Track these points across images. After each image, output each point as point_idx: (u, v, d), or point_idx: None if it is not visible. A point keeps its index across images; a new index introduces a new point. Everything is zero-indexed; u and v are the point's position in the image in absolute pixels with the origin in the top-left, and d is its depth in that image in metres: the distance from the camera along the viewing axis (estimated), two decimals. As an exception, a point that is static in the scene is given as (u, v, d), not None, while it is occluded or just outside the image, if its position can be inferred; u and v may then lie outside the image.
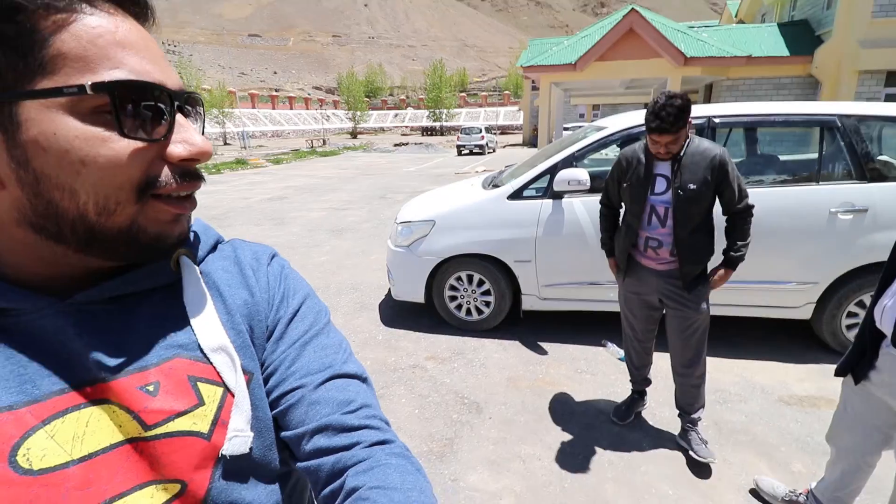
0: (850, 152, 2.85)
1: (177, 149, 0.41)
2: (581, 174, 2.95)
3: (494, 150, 24.62)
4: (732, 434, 2.35)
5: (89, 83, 0.35)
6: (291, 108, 50.79)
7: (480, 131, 22.98)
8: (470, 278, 3.40)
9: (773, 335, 3.24)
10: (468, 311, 3.48)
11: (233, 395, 0.45)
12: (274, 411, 0.49)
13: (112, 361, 0.41)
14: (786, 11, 15.18)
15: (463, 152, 23.16)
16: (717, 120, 2.99)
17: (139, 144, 0.38)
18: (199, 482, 0.42)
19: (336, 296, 4.28)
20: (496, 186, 3.48)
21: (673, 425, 2.35)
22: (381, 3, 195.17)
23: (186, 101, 0.43)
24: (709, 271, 2.11)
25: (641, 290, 2.20)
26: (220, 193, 10.84)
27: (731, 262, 2.06)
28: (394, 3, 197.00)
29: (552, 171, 3.14)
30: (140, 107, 0.38)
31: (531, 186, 3.22)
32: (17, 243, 0.40)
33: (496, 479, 2.10)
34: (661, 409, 2.53)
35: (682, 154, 1.95)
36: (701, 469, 2.10)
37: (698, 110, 3.07)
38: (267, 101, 48.98)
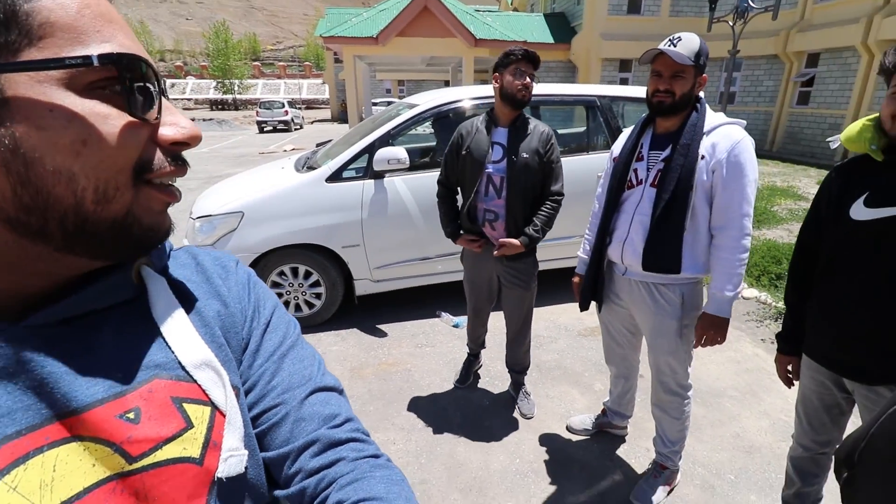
0: (607, 126, 3.52)
1: (169, 131, 0.38)
2: (400, 152, 2.94)
3: (302, 127, 23.17)
4: (549, 371, 2.76)
5: (96, 54, 0.33)
6: None
7: (283, 106, 21.27)
8: (294, 271, 3.13)
9: (567, 282, 3.88)
10: (297, 307, 3.22)
11: (222, 414, 0.42)
12: (255, 430, 0.47)
13: (82, 390, 0.36)
14: (549, 4, 17.82)
15: (265, 129, 21.18)
16: (511, 98, 3.32)
17: (137, 123, 0.36)
18: None
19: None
20: (311, 168, 3.23)
21: (506, 377, 2.61)
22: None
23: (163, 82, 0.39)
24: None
25: (481, 272, 2.27)
26: None
27: (527, 238, 2.07)
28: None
29: (370, 150, 3.06)
30: (136, 85, 0.36)
31: (350, 167, 3.09)
32: None
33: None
34: (493, 364, 2.79)
35: (517, 124, 2.05)
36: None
37: (483, 91, 3.35)
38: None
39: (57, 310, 0.37)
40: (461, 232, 2.23)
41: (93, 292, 0.39)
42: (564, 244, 3.53)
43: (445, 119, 3.34)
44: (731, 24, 5.85)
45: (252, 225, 2.96)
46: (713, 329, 1.59)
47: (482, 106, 3.26)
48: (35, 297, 0.37)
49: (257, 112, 21.37)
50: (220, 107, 39.99)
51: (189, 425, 0.40)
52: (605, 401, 2.24)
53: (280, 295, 3.15)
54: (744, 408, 2.44)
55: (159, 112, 0.38)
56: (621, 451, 2.14)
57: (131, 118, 0.35)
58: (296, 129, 21.68)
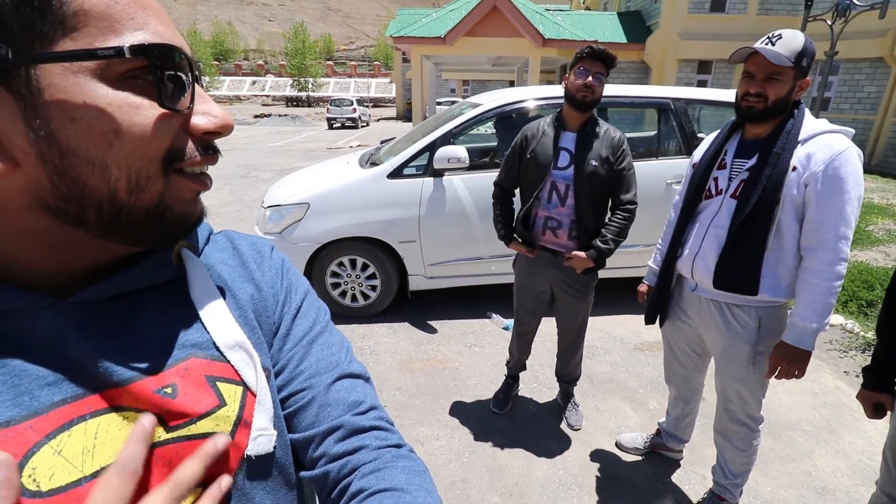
0: (681, 131, 3.33)
1: (200, 120, 0.38)
2: (460, 151, 2.96)
3: (368, 124, 23.92)
4: (602, 384, 2.65)
5: (127, 45, 0.33)
6: None
7: (352, 103, 22.06)
8: (353, 263, 3.24)
9: (626, 291, 3.71)
10: (353, 298, 3.33)
11: (253, 394, 0.44)
12: (284, 412, 0.48)
13: (123, 365, 0.38)
14: (623, 2, 17.13)
15: (334, 125, 22.06)
16: (578, 100, 3.22)
17: (168, 114, 0.36)
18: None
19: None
20: (374, 164, 3.32)
21: (554, 385, 2.55)
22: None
23: (198, 69, 0.39)
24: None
25: (535, 280, 2.16)
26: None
27: (597, 253, 1.94)
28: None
29: (431, 148, 3.10)
30: (167, 73, 0.36)
31: (411, 164, 3.14)
32: (24, 232, 0.35)
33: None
34: (542, 370, 2.73)
35: (587, 129, 1.94)
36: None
37: (555, 91, 3.27)
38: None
39: (102, 288, 0.39)
40: (515, 236, 2.14)
41: (135, 272, 0.41)
42: (626, 253, 3.38)
43: (508, 119, 3.31)
44: (829, 23, 5.30)
45: (316, 216, 3.10)
46: (791, 361, 1.42)
47: (546, 107, 3.20)
48: (82, 275, 0.39)
49: (328, 109, 22.31)
50: (294, 103, 42.31)
51: (222, 403, 0.41)
52: (660, 421, 2.12)
53: (337, 285, 3.28)
54: (818, 444, 2.21)
55: (192, 101, 0.38)
56: (675, 477, 2.02)
57: (162, 109, 0.35)
58: (362, 126, 22.41)
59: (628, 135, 4.02)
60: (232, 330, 0.44)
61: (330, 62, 59.09)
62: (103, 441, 0.36)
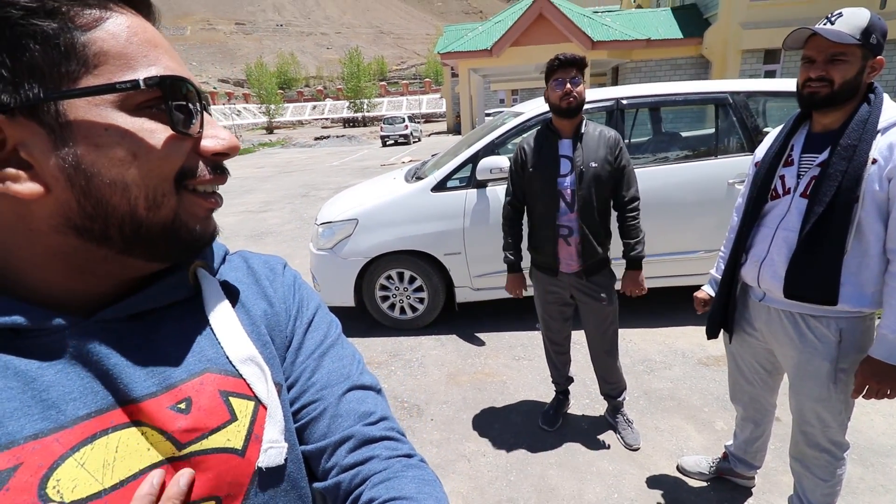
0: (742, 126, 3.09)
1: (209, 143, 0.42)
2: (503, 161, 2.92)
3: (420, 140, 24.44)
4: (661, 401, 2.48)
5: (142, 78, 0.37)
6: None
7: (404, 121, 22.69)
8: (401, 276, 3.28)
9: (687, 301, 3.47)
10: (402, 310, 3.37)
11: (264, 408, 0.45)
12: (296, 424, 0.49)
13: (141, 381, 0.40)
14: (677, -4, 16.37)
15: (388, 143, 22.76)
16: (624, 102, 3.10)
17: (179, 136, 0.39)
18: (237, 491, 0.42)
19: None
20: (419, 178, 3.37)
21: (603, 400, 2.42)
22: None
23: (204, 98, 0.43)
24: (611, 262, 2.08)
25: (556, 288, 2.14)
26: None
27: (634, 264, 2.03)
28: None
29: (474, 160, 3.10)
30: (178, 103, 0.40)
31: (454, 177, 3.16)
32: (53, 254, 0.38)
33: (442, 483, 2.04)
34: (594, 385, 2.60)
35: (580, 133, 1.94)
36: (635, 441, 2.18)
37: (606, 93, 3.16)
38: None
39: (122, 307, 0.42)
40: (520, 266, 2.21)
41: (153, 291, 0.44)
42: (684, 259, 3.17)
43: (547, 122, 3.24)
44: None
45: (365, 231, 3.19)
46: (882, 380, 1.24)
47: (591, 111, 3.10)
48: (104, 295, 0.42)
49: (381, 127, 23.12)
50: (351, 124, 44.29)
51: (233, 418, 0.43)
52: (727, 444, 1.93)
53: (386, 297, 3.34)
54: (925, 475, 1.92)
55: (201, 126, 0.42)
56: (746, 504, 1.83)
57: (173, 132, 0.39)
58: (414, 142, 22.94)
59: (683, 134, 3.83)
60: (244, 345, 0.46)
61: (383, 82, 61.30)
62: (123, 455, 0.38)
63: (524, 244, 2.20)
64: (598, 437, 2.25)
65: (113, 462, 0.37)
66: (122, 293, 0.43)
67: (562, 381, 2.37)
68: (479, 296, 3.30)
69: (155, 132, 0.38)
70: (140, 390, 0.40)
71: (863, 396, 1.30)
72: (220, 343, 0.45)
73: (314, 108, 53.41)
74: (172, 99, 0.39)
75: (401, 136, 22.47)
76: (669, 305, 3.43)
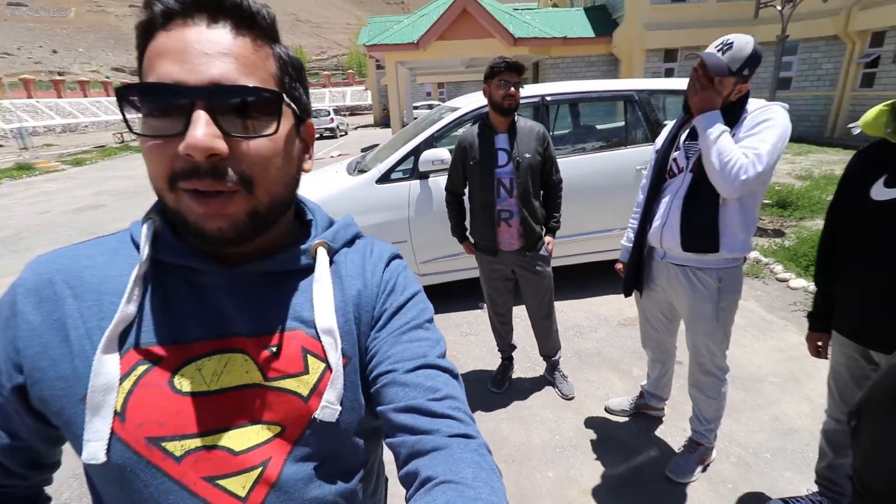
0: (646, 120, 3.57)
1: (181, 146, 0.42)
2: (443, 153, 3.15)
3: (346, 133, 23.96)
4: (589, 358, 2.87)
5: (121, 87, 0.43)
6: (86, 96, 41.01)
7: (329, 114, 22.05)
8: (350, 265, 3.40)
9: (608, 273, 3.95)
10: (352, 298, 3.49)
11: (331, 371, 0.52)
12: (371, 389, 0.55)
13: (253, 322, 0.52)
14: (587, -3, 17.53)
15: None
16: (548, 98, 3.46)
17: (156, 141, 0.43)
18: (293, 430, 0.51)
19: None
20: (362, 171, 3.50)
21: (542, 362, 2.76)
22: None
23: (210, 95, 0.43)
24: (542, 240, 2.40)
25: (500, 265, 2.42)
26: (3, 210, 8.63)
27: (552, 231, 2.42)
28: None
29: (416, 152, 3.29)
30: (157, 106, 0.43)
31: (398, 169, 3.33)
32: None
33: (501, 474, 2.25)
34: (533, 351, 2.93)
35: (513, 128, 2.22)
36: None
37: (532, 90, 3.49)
38: (49, 87, 39.01)
39: (255, 266, 0.53)
40: (468, 236, 2.50)
41: (278, 259, 0.54)
42: (605, 237, 3.61)
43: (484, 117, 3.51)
44: (778, 8, 5.64)
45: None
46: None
47: (520, 106, 3.41)
48: (249, 256, 0.54)
49: (305, 120, 22.31)
50: (269, 117, 41.87)
51: (306, 371, 0.53)
52: (642, 384, 2.34)
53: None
54: (784, 393, 2.46)
55: (185, 128, 0.42)
56: (658, 431, 2.24)
57: (149, 138, 0.44)
58: (341, 136, 22.44)
59: (599, 127, 4.29)
60: (329, 317, 0.54)
61: (303, 73, 58.68)
62: (228, 370, 0.50)
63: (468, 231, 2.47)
64: (540, 392, 2.58)
65: (220, 373, 0.50)
66: (262, 257, 0.54)
67: (506, 348, 2.67)
68: (425, 281, 3.51)
69: (145, 141, 0.44)
70: (250, 328, 0.52)
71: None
72: (313, 310, 0.54)
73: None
74: (152, 104, 0.43)
75: (326, 129, 21.84)
76: (593, 278, 3.89)
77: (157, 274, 0.52)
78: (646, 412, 2.33)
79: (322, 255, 0.57)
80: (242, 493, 0.49)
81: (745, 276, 4.03)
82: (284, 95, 0.49)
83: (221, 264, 0.52)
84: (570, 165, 3.36)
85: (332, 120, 21.78)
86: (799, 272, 3.84)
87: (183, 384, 0.48)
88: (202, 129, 0.42)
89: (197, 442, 0.48)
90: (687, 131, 1.75)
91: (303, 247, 0.56)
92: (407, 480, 0.48)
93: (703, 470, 1.98)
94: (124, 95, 0.44)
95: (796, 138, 12.73)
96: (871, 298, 1.37)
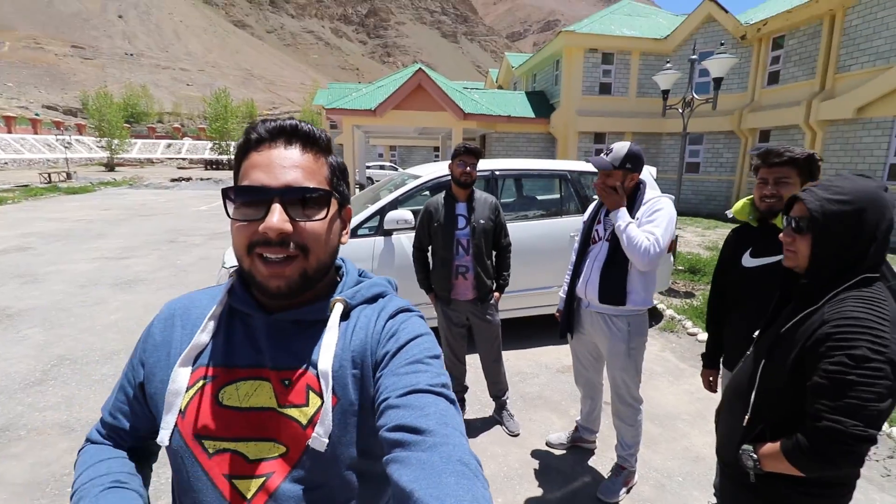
0: (577, 195, 4.22)
1: (260, 227, 0.61)
2: (407, 214, 3.54)
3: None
4: (532, 400, 3.20)
5: (225, 189, 0.63)
6: (10, 132, 39.10)
7: (280, 167, 22.17)
8: (312, 313, 3.58)
9: (550, 327, 4.39)
10: (312, 345, 3.63)
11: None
12: (376, 417, 0.61)
13: (277, 359, 0.66)
14: (529, 83, 19.69)
15: (261, 188, 21.87)
16: (497, 172, 4.02)
17: (244, 223, 0.63)
18: (294, 453, 0.63)
19: (150, 352, 3.81)
20: (329, 226, 3.78)
21: (491, 404, 3.05)
22: (143, 18, 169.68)
23: (284, 193, 0.61)
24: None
25: (456, 314, 2.78)
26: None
27: (501, 288, 2.83)
28: (159, 20, 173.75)
29: (381, 212, 3.66)
30: (245, 199, 0.63)
31: (364, 226, 3.67)
32: None
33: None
34: (483, 394, 3.22)
35: (471, 198, 2.67)
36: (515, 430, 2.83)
37: (484, 165, 4.04)
38: (-34, 120, 36.84)
39: (287, 315, 0.66)
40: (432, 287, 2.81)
41: (304, 310, 0.67)
42: (544, 293, 4.08)
43: (443, 188, 3.99)
44: (679, 110, 6.90)
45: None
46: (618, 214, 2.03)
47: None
48: (285, 308, 0.67)
49: (254, 173, 22.18)
50: (214, 166, 41.22)
51: (306, 404, 0.63)
52: (577, 419, 2.69)
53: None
54: (693, 427, 2.91)
55: (265, 214, 0.60)
56: (591, 461, 2.57)
57: (236, 220, 0.63)
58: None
59: (539, 197, 4.92)
60: (327, 362, 0.64)
61: (253, 126, 58.73)
62: (257, 394, 0.64)
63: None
64: (489, 430, 2.85)
65: (252, 394, 0.64)
66: (300, 306, 0.68)
67: (460, 388, 2.96)
68: (383, 329, 3.74)
69: (233, 223, 0.63)
70: (274, 363, 0.65)
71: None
72: (320, 355, 0.65)
73: (169, 146, 48.57)
74: (242, 198, 0.62)
75: (276, 182, 21.85)
76: (535, 330, 4.30)
77: (230, 316, 0.69)
78: (580, 445, 2.66)
79: (337, 310, 0.68)
80: (248, 495, 0.61)
81: (662, 330, 4.64)
82: (334, 191, 0.68)
83: (265, 311, 0.67)
84: (514, 230, 3.85)
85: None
86: (705, 327, 4.49)
87: (225, 398, 0.64)
88: (277, 216, 0.60)
89: (225, 444, 0.63)
90: (605, 209, 2.26)
91: (326, 302, 0.69)
92: (394, 493, 0.51)
93: (628, 492, 2.31)
94: (227, 192, 0.62)
95: (706, 214, 14.58)
96: (744, 338, 1.83)
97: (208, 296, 0.74)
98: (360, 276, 0.78)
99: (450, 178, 2.68)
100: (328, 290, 0.73)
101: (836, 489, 1.05)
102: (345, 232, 0.73)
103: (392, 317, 0.70)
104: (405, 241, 3.69)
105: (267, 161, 0.62)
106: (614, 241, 2.10)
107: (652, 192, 2.17)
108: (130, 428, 0.72)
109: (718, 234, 10.69)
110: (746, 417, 1.13)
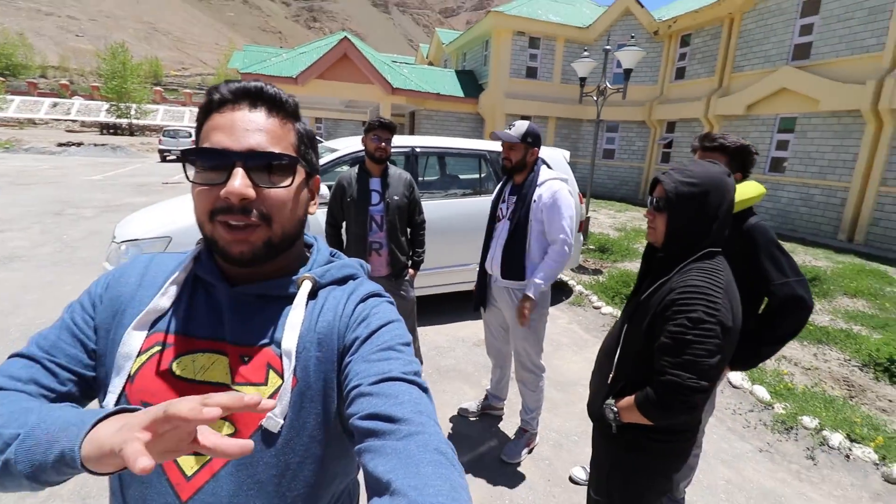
0: (495, 174, 4.33)
1: (222, 192, 0.58)
2: (322, 188, 3.42)
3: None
4: (447, 372, 3.31)
5: (181, 150, 0.64)
6: None
7: (190, 135, 20.30)
8: (220, 291, 3.38)
9: (464, 302, 4.52)
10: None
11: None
12: (345, 408, 0.59)
13: (238, 333, 0.63)
14: (460, 61, 19.63)
15: (168, 158, 19.97)
16: (418, 149, 4.00)
17: (205, 187, 0.59)
18: (244, 432, 0.60)
19: (24, 342, 3.40)
20: (239, 199, 3.56)
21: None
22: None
23: (247, 158, 0.59)
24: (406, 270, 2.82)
25: None
26: None
27: (416, 265, 2.85)
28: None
29: (295, 185, 3.50)
30: (206, 164, 0.60)
31: (276, 199, 3.49)
32: None
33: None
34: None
35: (385, 174, 2.63)
36: (430, 402, 2.91)
37: (404, 141, 4.01)
38: None
39: (250, 288, 0.64)
40: None
41: (268, 285, 0.65)
42: (463, 270, 4.19)
43: (361, 161, 3.90)
44: (594, 98, 7.30)
45: (179, 249, 3.20)
46: (526, 303, 2.20)
47: (392, 154, 3.88)
48: (250, 280, 0.65)
49: (160, 140, 20.20)
50: (111, 131, 36.74)
51: (265, 383, 0.61)
52: (487, 388, 2.83)
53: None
54: (591, 391, 3.18)
55: (227, 178, 0.57)
56: (499, 426, 2.73)
57: (197, 184, 0.60)
58: (204, 160, 20.75)
59: (461, 176, 4.99)
60: (291, 341, 0.62)
61: (159, 88, 53.16)
62: (213, 368, 0.62)
63: None
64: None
65: (207, 368, 0.62)
66: (259, 282, 0.66)
67: None
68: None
69: (194, 187, 0.60)
70: (234, 337, 0.63)
71: (521, 322, 2.22)
72: (283, 333, 0.63)
73: (55, 105, 42.20)
74: (202, 161, 0.59)
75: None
76: (453, 305, 4.42)
77: (194, 284, 0.67)
78: (489, 412, 2.81)
79: (304, 288, 0.66)
80: (189, 473, 0.59)
81: (571, 304, 4.98)
82: (301, 159, 0.65)
83: (229, 283, 0.65)
84: (436, 208, 3.90)
85: (193, 143, 20.11)
86: (608, 301, 4.90)
87: (178, 369, 0.61)
88: (239, 181, 0.57)
89: None
90: (509, 188, 2.35)
91: (293, 278, 0.67)
92: (369, 483, 0.49)
93: (529, 452, 2.49)
94: (188, 155, 0.60)
95: (619, 198, 15.67)
96: None
97: (176, 260, 0.70)
98: (331, 255, 0.75)
99: (364, 150, 2.62)
100: (296, 265, 0.70)
101: (680, 435, 1.21)
102: (313, 202, 0.71)
103: (363, 300, 0.68)
104: (320, 217, 3.58)
105: (230, 123, 0.60)
106: (515, 219, 2.20)
107: (547, 172, 2.28)
108: (65, 370, 0.62)
109: (628, 216, 11.57)
110: (611, 376, 1.26)
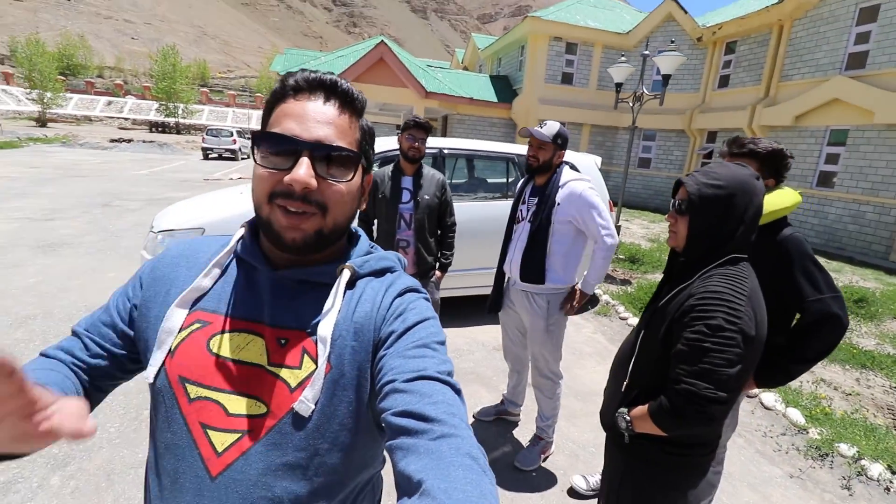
0: (522, 178, 4.29)
1: (287, 178, 0.59)
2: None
3: (248, 156, 23.06)
4: (465, 375, 3.29)
5: (252, 132, 0.62)
6: None
7: (231, 134, 21.14)
8: (248, 283, 3.48)
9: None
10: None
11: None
12: (378, 402, 0.59)
13: (276, 316, 0.64)
14: (494, 66, 19.63)
15: (210, 156, 20.83)
16: (446, 151, 4.02)
17: (269, 170, 0.61)
18: (275, 415, 0.61)
19: (67, 322, 3.60)
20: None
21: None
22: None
23: (314, 149, 0.60)
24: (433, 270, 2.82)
25: None
26: None
27: (443, 268, 2.83)
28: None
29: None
30: (274, 148, 0.61)
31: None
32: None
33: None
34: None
35: (418, 174, 2.65)
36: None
37: (433, 142, 4.03)
38: None
39: (292, 272, 0.65)
40: None
41: (310, 271, 0.66)
42: (487, 273, 4.15)
43: (390, 162, 3.95)
44: (630, 104, 7.14)
45: (211, 241, 3.32)
46: (579, 299, 2.21)
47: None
48: (293, 265, 0.66)
49: (203, 138, 21.08)
50: (160, 129, 38.62)
51: (299, 367, 0.62)
52: (503, 392, 2.79)
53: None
54: (611, 403, 3.09)
55: (292, 166, 0.59)
56: (515, 432, 2.69)
57: (261, 167, 0.61)
58: (243, 159, 21.52)
59: (489, 180, 4.97)
60: (327, 328, 0.62)
61: (205, 89, 55.49)
62: (248, 347, 0.63)
63: None
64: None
65: (244, 347, 0.63)
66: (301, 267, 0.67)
67: None
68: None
69: (257, 169, 0.62)
70: (272, 320, 0.64)
71: (566, 310, 2.21)
72: (321, 319, 0.64)
73: (109, 104, 44.65)
74: (270, 146, 0.60)
75: (227, 150, 20.84)
76: (474, 308, 4.40)
77: (235, 266, 0.68)
78: (505, 417, 2.77)
79: (344, 276, 0.67)
80: (220, 449, 0.60)
81: (596, 314, 4.87)
82: (362, 155, 0.67)
83: (271, 267, 0.66)
84: (464, 210, 3.89)
85: (234, 141, 20.90)
86: (635, 312, 4.76)
87: (215, 346, 0.63)
88: (304, 170, 0.59)
89: (207, 392, 0.61)
90: (529, 189, 2.31)
91: (334, 266, 0.68)
92: (399, 481, 0.49)
93: (543, 460, 2.44)
94: (256, 137, 0.61)
95: (653, 209, 15.25)
96: None
97: (219, 243, 0.73)
98: (370, 248, 0.76)
99: (398, 152, 2.63)
100: (337, 254, 0.71)
101: (697, 449, 1.16)
102: (364, 198, 0.72)
103: (400, 295, 0.69)
104: (348, 215, 3.64)
105: (301, 112, 0.62)
106: (535, 221, 2.17)
107: (569, 174, 2.22)
108: (98, 345, 0.69)
109: (662, 227, 11.24)
110: (625, 383, 1.22)
